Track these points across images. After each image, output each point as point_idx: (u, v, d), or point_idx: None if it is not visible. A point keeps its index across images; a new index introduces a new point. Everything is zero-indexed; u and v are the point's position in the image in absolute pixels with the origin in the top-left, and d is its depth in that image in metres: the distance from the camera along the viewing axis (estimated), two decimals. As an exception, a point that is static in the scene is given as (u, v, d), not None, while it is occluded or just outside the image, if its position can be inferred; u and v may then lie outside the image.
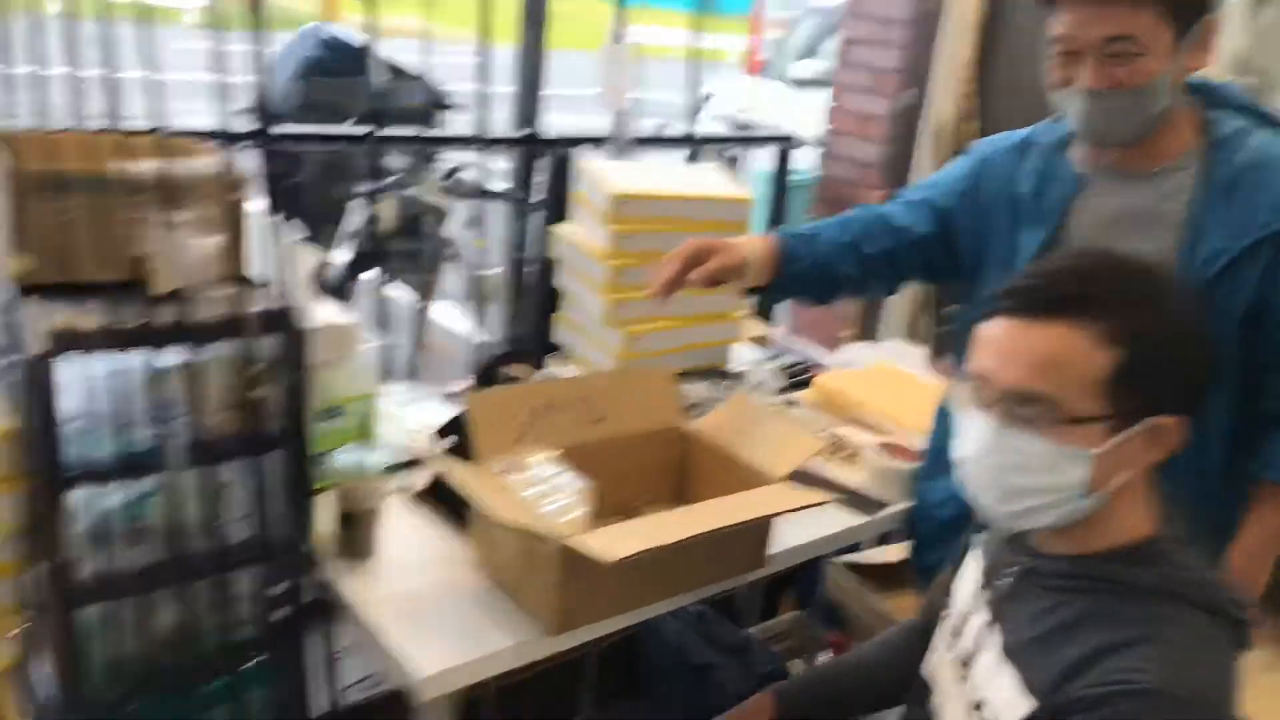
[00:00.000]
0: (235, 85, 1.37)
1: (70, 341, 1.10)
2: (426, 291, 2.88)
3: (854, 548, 2.32)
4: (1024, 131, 1.46)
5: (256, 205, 1.36)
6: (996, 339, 0.94)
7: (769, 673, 1.90)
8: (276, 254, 1.30)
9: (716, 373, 1.98)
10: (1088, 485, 0.91)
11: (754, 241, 1.47)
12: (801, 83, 6.98)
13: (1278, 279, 1.25)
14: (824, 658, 2.16)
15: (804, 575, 2.29)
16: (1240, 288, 1.25)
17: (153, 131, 1.31)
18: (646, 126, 2.84)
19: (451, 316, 3.08)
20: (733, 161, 3.30)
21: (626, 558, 1.10)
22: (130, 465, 1.15)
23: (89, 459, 1.13)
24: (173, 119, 1.43)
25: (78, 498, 1.13)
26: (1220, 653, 0.90)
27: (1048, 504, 0.93)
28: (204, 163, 1.29)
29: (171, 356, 1.17)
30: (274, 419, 1.23)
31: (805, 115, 3.77)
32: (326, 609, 1.29)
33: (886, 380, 2.06)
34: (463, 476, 1.24)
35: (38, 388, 1.08)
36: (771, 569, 1.44)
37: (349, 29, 3.01)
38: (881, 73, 3.28)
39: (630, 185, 1.85)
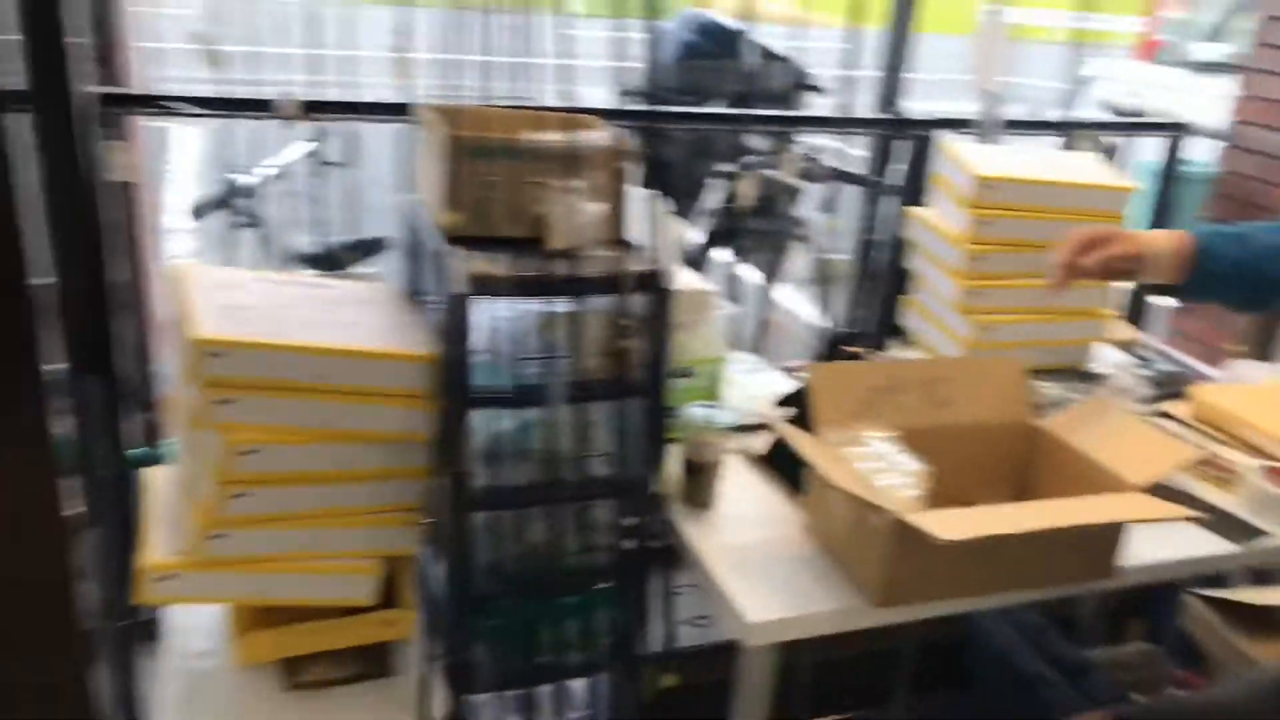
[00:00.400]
0: (624, 69, 1.52)
1: (483, 286, 1.29)
2: (773, 270, 2.96)
3: (1219, 582, 2.09)
4: None
5: (635, 177, 1.49)
6: None
7: (1106, 701, 1.78)
8: (650, 222, 1.43)
9: (1074, 373, 1.87)
10: None
11: (1159, 234, 1.38)
12: (1205, 67, 6.23)
13: None
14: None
15: (1158, 604, 2.10)
16: None
17: (558, 109, 1.48)
18: (1018, 112, 2.70)
19: (794, 297, 3.14)
20: (1110, 152, 3.04)
21: (961, 540, 1.09)
22: (520, 396, 1.32)
23: (489, 387, 1.32)
24: (575, 98, 1.61)
25: (477, 419, 1.32)
26: None
27: None
28: (598, 136, 1.44)
29: (559, 305, 1.33)
30: (638, 369, 1.36)
31: (1208, 103, 3.37)
32: (669, 548, 1.41)
33: (1282, 400, 1.82)
34: (802, 441, 1.29)
35: (456, 323, 1.28)
36: (1118, 582, 1.35)
37: (722, 14, 3.14)
38: (1310, 53, 2.86)
39: (995, 167, 1.80)
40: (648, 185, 1.47)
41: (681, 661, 1.46)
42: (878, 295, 2.46)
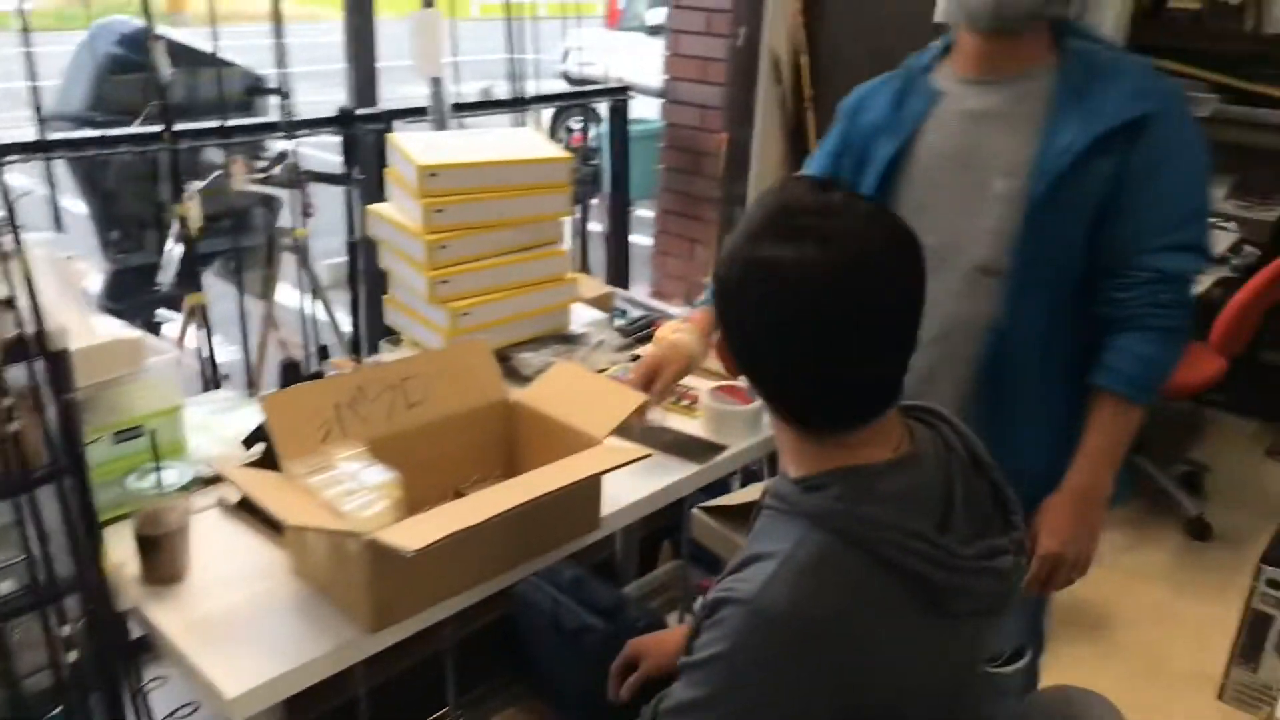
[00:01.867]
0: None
1: None
2: (267, 287, 2.76)
3: (723, 488, 2.33)
4: (893, 71, 1.54)
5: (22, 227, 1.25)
6: None
7: (646, 627, 1.90)
8: (29, 275, 1.20)
9: (557, 338, 1.94)
10: None
11: (690, 325, 1.59)
12: (656, 30, 6.93)
13: (1125, 176, 1.31)
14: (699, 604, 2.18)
15: (680, 524, 2.29)
16: (1091, 183, 1.32)
17: None
18: (471, 93, 2.75)
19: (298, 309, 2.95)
20: (584, 117, 3.25)
21: (427, 546, 1.06)
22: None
23: None
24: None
25: None
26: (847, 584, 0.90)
27: None
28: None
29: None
30: (41, 452, 1.14)
31: (656, 64, 3.71)
32: (132, 641, 1.22)
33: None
34: (253, 484, 1.17)
35: None
36: (606, 530, 1.42)
37: (140, 20, 2.82)
38: (715, 13, 3.25)
39: (436, 157, 1.78)
40: (96, 220, 1.24)
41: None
42: (365, 298, 2.39)
